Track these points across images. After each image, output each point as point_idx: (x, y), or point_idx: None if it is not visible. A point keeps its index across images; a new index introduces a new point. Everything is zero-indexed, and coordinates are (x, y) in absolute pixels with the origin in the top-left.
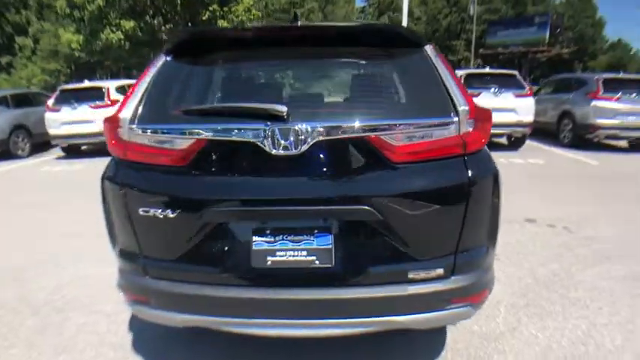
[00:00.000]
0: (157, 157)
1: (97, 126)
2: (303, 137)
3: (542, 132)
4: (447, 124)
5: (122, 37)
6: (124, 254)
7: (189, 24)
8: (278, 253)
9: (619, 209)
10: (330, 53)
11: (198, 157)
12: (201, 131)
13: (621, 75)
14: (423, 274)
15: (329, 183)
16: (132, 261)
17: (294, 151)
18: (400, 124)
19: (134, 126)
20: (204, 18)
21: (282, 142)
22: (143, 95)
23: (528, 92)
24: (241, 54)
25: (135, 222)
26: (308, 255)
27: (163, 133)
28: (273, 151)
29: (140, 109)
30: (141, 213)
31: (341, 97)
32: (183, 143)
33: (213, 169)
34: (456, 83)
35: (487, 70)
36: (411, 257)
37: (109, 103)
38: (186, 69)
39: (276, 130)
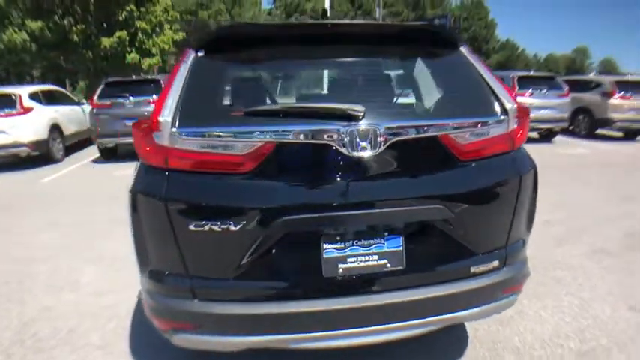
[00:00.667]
0: (211, 165)
1: (10, 137)
2: (382, 138)
3: None
4: (501, 122)
5: (27, 38)
6: (162, 276)
7: (104, 24)
8: (349, 260)
9: None
10: (376, 52)
11: (264, 162)
12: (271, 134)
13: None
14: (482, 268)
15: (403, 183)
16: (174, 283)
17: (371, 153)
18: (465, 123)
19: (179, 130)
20: (120, 19)
21: (362, 143)
22: (181, 96)
23: (566, 92)
24: (284, 51)
25: (182, 239)
26: (379, 259)
27: (221, 137)
28: (352, 153)
29: (181, 111)
30: (192, 228)
31: (396, 97)
32: (246, 147)
33: (282, 175)
34: (499, 82)
35: (532, 72)
36: (472, 252)
37: (21, 110)
38: (223, 66)
39: (355, 131)
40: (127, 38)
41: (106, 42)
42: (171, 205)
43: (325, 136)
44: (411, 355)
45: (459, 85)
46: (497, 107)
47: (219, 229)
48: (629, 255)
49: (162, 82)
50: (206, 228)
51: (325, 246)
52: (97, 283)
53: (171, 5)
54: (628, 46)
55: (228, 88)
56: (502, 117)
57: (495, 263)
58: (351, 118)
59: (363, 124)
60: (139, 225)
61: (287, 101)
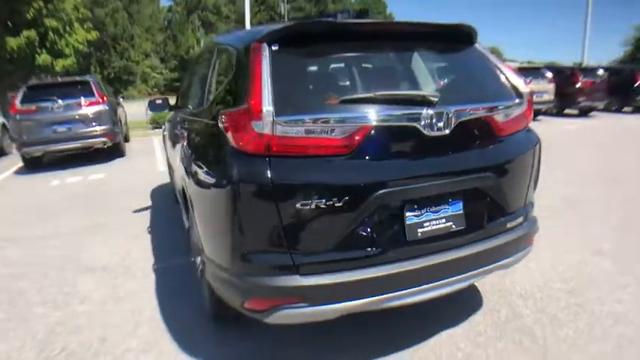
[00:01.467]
0: (312, 148)
1: None
2: (453, 119)
3: None
4: (520, 104)
5: None
6: (262, 257)
7: (9, 23)
8: (425, 225)
9: None
10: (424, 46)
11: (361, 144)
12: (365, 118)
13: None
14: (514, 223)
15: (464, 156)
16: (277, 262)
17: (444, 132)
18: (501, 105)
19: (279, 118)
20: (27, 16)
21: (439, 124)
22: (273, 86)
23: (552, 79)
24: (348, 45)
25: (286, 218)
26: (446, 222)
27: (320, 122)
28: (430, 133)
29: (278, 100)
30: (296, 208)
31: (444, 84)
32: (345, 131)
33: (374, 154)
34: (513, 71)
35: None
36: (507, 211)
37: None
38: (298, 58)
39: (433, 114)
40: (37, 38)
41: (12, 43)
42: (276, 187)
43: (410, 119)
44: (437, 309)
45: (484, 74)
46: (517, 92)
47: (323, 207)
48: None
49: (92, 83)
50: (310, 207)
51: (407, 214)
52: (101, 293)
53: (80, 2)
54: (512, 35)
55: (307, 78)
56: (520, 100)
57: (520, 219)
58: (428, 103)
59: (439, 108)
60: (237, 211)
61: (357, 90)
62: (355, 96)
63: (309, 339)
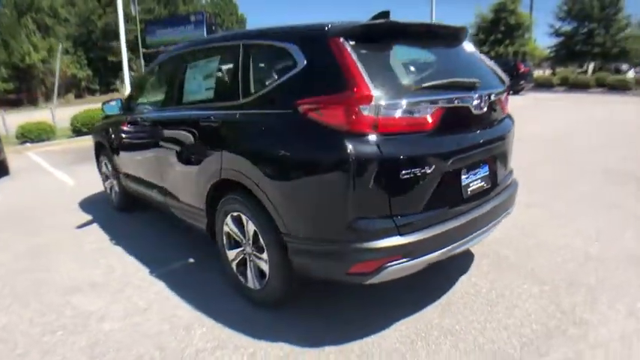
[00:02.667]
0: (407, 126)
1: None
2: (487, 101)
3: None
4: (507, 90)
5: None
6: (370, 224)
7: None
8: (471, 184)
9: None
10: (453, 43)
11: (438, 121)
12: (441, 101)
13: None
14: (510, 182)
15: (491, 130)
16: (383, 226)
17: (483, 110)
18: (504, 90)
19: (383, 102)
20: None
21: (481, 104)
22: (367, 75)
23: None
24: (407, 40)
25: (390, 186)
26: (481, 182)
27: (414, 105)
28: (476, 112)
29: (378, 86)
30: (398, 176)
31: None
32: (429, 111)
33: (445, 130)
34: (495, 64)
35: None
36: (507, 173)
37: None
38: (373, 51)
39: (479, 96)
40: None
41: None
42: (384, 161)
43: (466, 101)
44: (445, 270)
45: (482, 66)
46: (502, 80)
47: (416, 175)
48: None
49: None
50: (407, 175)
51: (463, 177)
52: (116, 308)
53: None
54: None
55: (383, 67)
56: (505, 87)
57: (512, 178)
58: (476, 87)
59: (479, 92)
60: (352, 186)
61: (421, 78)
62: (432, 82)
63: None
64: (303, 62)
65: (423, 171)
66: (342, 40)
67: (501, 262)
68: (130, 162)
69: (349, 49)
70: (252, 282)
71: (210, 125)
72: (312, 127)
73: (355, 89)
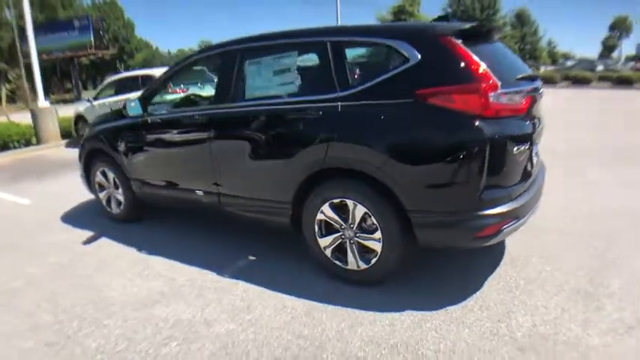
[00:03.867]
0: (511, 111)
1: None
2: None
3: None
4: None
5: None
6: (491, 195)
7: None
8: (533, 161)
9: None
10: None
11: (527, 107)
12: (529, 90)
13: None
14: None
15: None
16: (499, 195)
17: (539, 97)
18: None
19: (503, 90)
20: None
21: (539, 91)
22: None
23: None
24: (486, 40)
25: (507, 161)
26: (536, 158)
27: (517, 93)
28: (536, 98)
29: (493, 76)
30: (510, 151)
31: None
32: (523, 98)
33: (528, 114)
34: None
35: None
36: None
37: None
38: (475, 48)
39: (538, 86)
40: None
41: None
42: (505, 139)
43: (537, 89)
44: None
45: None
46: None
47: (521, 150)
48: None
49: None
50: (514, 151)
51: (533, 154)
52: (211, 311)
53: None
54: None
55: (484, 61)
56: None
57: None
58: (535, 78)
59: (534, 84)
60: (484, 161)
61: (504, 71)
62: (523, 74)
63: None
64: (416, 57)
65: (523, 147)
66: (452, 38)
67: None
68: (154, 166)
69: (463, 46)
70: (354, 264)
71: (303, 118)
72: (442, 113)
73: (485, 79)
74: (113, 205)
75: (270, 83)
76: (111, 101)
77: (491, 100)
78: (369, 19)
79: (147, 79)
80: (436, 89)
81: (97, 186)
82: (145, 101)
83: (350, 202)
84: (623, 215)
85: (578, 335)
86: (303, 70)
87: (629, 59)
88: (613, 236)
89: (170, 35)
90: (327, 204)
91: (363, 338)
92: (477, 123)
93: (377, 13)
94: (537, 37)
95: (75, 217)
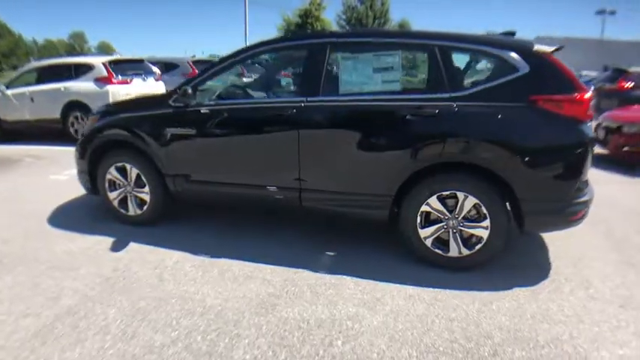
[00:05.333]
0: (590, 116)
1: None
2: None
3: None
4: None
5: None
6: (583, 185)
7: None
8: None
9: None
10: None
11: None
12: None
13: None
14: None
15: None
16: (586, 186)
17: None
18: None
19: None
20: None
21: None
22: None
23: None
24: None
25: (590, 157)
26: None
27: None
28: None
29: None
30: (590, 148)
31: None
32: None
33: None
34: None
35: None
36: None
37: None
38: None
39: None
40: None
41: None
42: (594, 139)
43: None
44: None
45: None
46: None
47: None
48: None
49: None
50: (591, 147)
51: None
52: (342, 309)
53: None
54: (123, 29)
55: None
56: None
57: None
58: None
59: None
60: (587, 155)
61: None
62: (581, 79)
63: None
64: (526, 68)
65: (593, 147)
66: (554, 55)
67: None
68: (209, 162)
69: (561, 61)
70: (456, 251)
71: (418, 115)
72: (552, 117)
73: (584, 91)
74: (131, 205)
75: (370, 79)
76: (32, 90)
77: (587, 108)
78: (277, 19)
79: (83, 67)
80: (549, 97)
81: (106, 184)
82: (195, 90)
83: (461, 194)
84: None
85: None
86: (411, 70)
87: None
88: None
89: (36, 23)
90: (434, 196)
91: (503, 312)
92: (581, 127)
93: (282, 14)
94: None
95: (64, 222)
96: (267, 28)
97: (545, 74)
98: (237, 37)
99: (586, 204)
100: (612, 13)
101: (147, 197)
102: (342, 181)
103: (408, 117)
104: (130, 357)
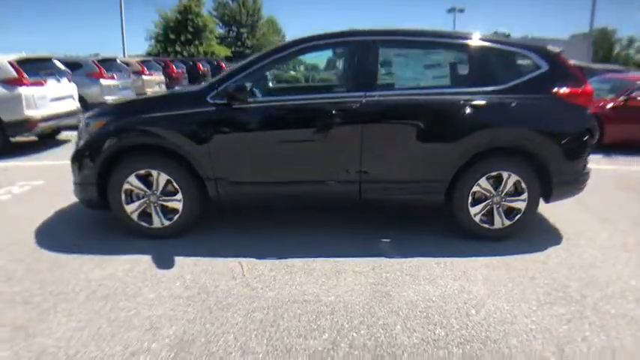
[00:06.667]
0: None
1: None
2: None
3: None
4: None
5: None
6: (587, 159)
7: None
8: None
9: None
10: None
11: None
12: None
13: None
14: None
15: None
16: (586, 161)
17: None
18: None
19: None
20: None
21: None
22: None
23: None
24: None
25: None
26: None
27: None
28: None
29: None
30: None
31: None
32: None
33: None
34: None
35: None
36: None
37: None
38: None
39: None
40: None
41: None
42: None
43: None
44: None
45: None
46: None
47: None
48: None
49: None
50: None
51: None
52: (445, 291)
53: None
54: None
55: None
56: None
57: None
58: None
59: None
60: (593, 138)
61: None
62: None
63: None
64: (545, 66)
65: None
66: (563, 55)
67: None
68: (262, 162)
69: (567, 60)
70: (499, 223)
71: (471, 106)
72: (571, 106)
73: (588, 84)
74: (156, 217)
75: (422, 75)
76: None
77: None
78: (154, 15)
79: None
80: (568, 90)
81: (122, 196)
82: (243, 87)
83: (505, 173)
84: None
85: None
86: (456, 67)
87: None
88: None
89: None
90: (484, 177)
91: (559, 266)
92: (588, 114)
93: (159, 11)
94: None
95: (67, 246)
96: (144, 23)
97: (560, 71)
98: (113, 32)
99: (589, 174)
100: (462, 10)
101: (178, 205)
102: (403, 171)
103: (462, 109)
104: None
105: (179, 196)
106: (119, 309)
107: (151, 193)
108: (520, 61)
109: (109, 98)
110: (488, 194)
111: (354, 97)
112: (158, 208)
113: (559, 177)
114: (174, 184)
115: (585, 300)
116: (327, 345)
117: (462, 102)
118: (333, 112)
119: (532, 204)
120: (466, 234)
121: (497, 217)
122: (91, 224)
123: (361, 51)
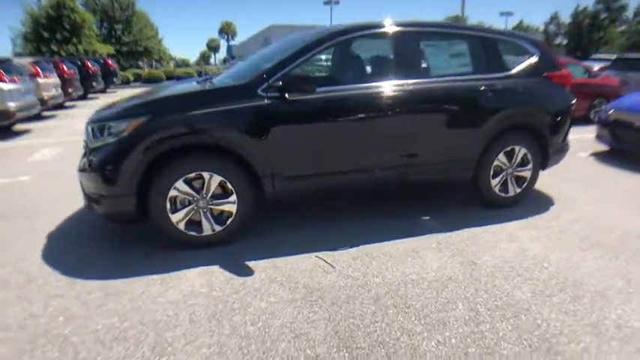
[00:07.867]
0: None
1: None
2: None
3: None
4: None
5: None
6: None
7: None
8: None
9: None
10: None
11: None
12: None
13: None
14: None
15: None
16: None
17: None
18: None
19: None
20: None
21: None
22: None
23: None
24: None
25: None
26: None
27: None
28: None
29: None
30: None
31: None
32: None
33: None
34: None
35: None
36: None
37: None
38: None
39: None
40: None
41: None
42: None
43: None
44: None
45: None
46: None
47: None
48: None
49: None
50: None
51: None
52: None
53: None
54: None
55: None
56: None
57: None
58: None
59: None
60: (572, 114)
61: None
62: None
63: None
64: (537, 53)
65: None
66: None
67: None
68: (321, 153)
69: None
70: (512, 191)
71: (491, 90)
72: (558, 87)
73: (564, 68)
74: (206, 223)
75: (448, 63)
76: None
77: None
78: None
79: None
80: (557, 73)
81: (168, 204)
82: (296, 78)
83: (517, 147)
84: None
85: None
86: (475, 56)
87: (226, 60)
88: None
89: None
90: (502, 152)
91: (572, 225)
92: (569, 93)
93: (25, 8)
94: (159, 39)
95: (105, 267)
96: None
97: (547, 57)
98: None
99: (569, 144)
100: (337, 2)
101: (232, 208)
102: (445, 151)
103: (487, 93)
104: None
105: (233, 197)
106: (240, 324)
107: (200, 197)
108: (520, 50)
109: (12, 105)
110: (504, 167)
111: (409, 83)
112: (208, 214)
113: (554, 147)
114: (229, 185)
115: (611, 242)
116: (471, 315)
117: (484, 88)
118: (386, 100)
119: (535, 172)
120: (487, 203)
121: (510, 186)
122: (103, 240)
123: (403, 42)
